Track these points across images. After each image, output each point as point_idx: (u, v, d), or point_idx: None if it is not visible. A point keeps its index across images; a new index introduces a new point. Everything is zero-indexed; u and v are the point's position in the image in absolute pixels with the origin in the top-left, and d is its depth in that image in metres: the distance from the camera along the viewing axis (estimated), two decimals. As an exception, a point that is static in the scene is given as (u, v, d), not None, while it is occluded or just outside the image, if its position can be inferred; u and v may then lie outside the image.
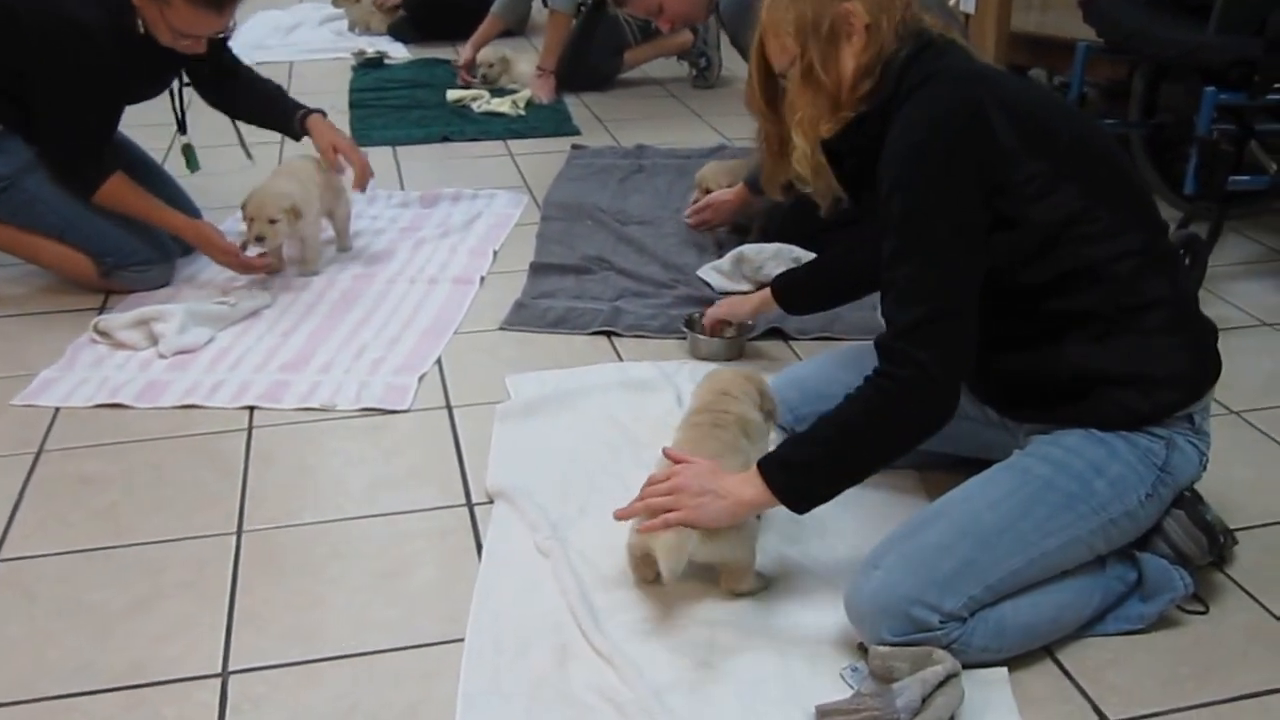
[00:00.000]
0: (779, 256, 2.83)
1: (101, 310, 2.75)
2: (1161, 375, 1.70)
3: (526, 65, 4.70)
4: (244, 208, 2.76)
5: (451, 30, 5.57)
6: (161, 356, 2.50)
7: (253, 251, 2.81)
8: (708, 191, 3.18)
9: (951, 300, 1.64)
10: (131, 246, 2.77)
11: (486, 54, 4.66)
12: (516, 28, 4.99)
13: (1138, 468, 1.70)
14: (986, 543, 1.64)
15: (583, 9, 4.70)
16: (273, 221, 2.73)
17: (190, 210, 2.97)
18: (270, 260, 2.84)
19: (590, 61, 4.68)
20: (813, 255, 2.82)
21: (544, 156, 3.94)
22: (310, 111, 3.00)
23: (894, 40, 1.75)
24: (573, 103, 4.61)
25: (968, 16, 3.46)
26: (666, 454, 1.80)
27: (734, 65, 4.79)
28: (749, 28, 2.86)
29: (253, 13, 6.04)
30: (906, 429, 1.66)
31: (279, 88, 3.08)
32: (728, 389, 1.92)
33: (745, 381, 1.95)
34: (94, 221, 2.73)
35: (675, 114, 4.48)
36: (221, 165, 3.32)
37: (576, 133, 4.21)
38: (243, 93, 3.03)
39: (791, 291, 2.33)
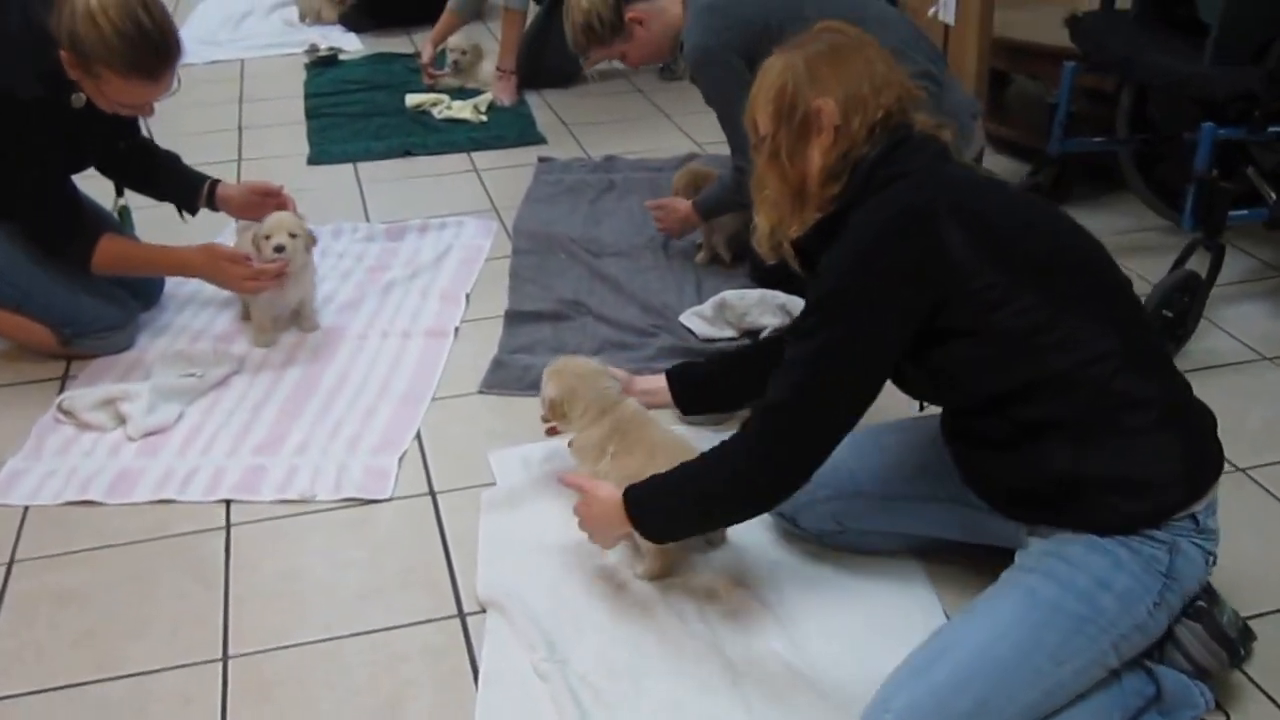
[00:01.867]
0: (764, 304, 2.77)
1: (64, 379, 2.66)
2: (1154, 477, 1.66)
3: (488, 65, 4.57)
4: (259, 234, 2.67)
5: (404, 17, 5.43)
6: (130, 439, 2.41)
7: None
8: (691, 192, 3.12)
9: (829, 396, 1.67)
10: (92, 314, 2.67)
11: (458, 40, 4.53)
12: (473, 19, 4.84)
13: (1142, 577, 1.66)
14: (1000, 680, 1.61)
15: (538, 4, 4.57)
16: (292, 235, 2.66)
17: None
18: (284, 264, 2.69)
19: (550, 60, 4.56)
20: (799, 300, 2.76)
21: (510, 171, 3.84)
22: (214, 180, 2.92)
23: (865, 141, 1.73)
24: (535, 103, 4.50)
25: (948, 28, 3.37)
26: (564, 481, 2.01)
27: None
28: (708, 74, 2.78)
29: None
30: (746, 501, 1.77)
31: (178, 158, 2.95)
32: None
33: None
34: (52, 291, 2.62)
35: (643, 115, 4.38)
36: (154, 226, 3.07)
37: (542, 141, 4.10)
38: (153, 165, 2.90)
39: (691, 388, 2.25)
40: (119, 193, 2.91)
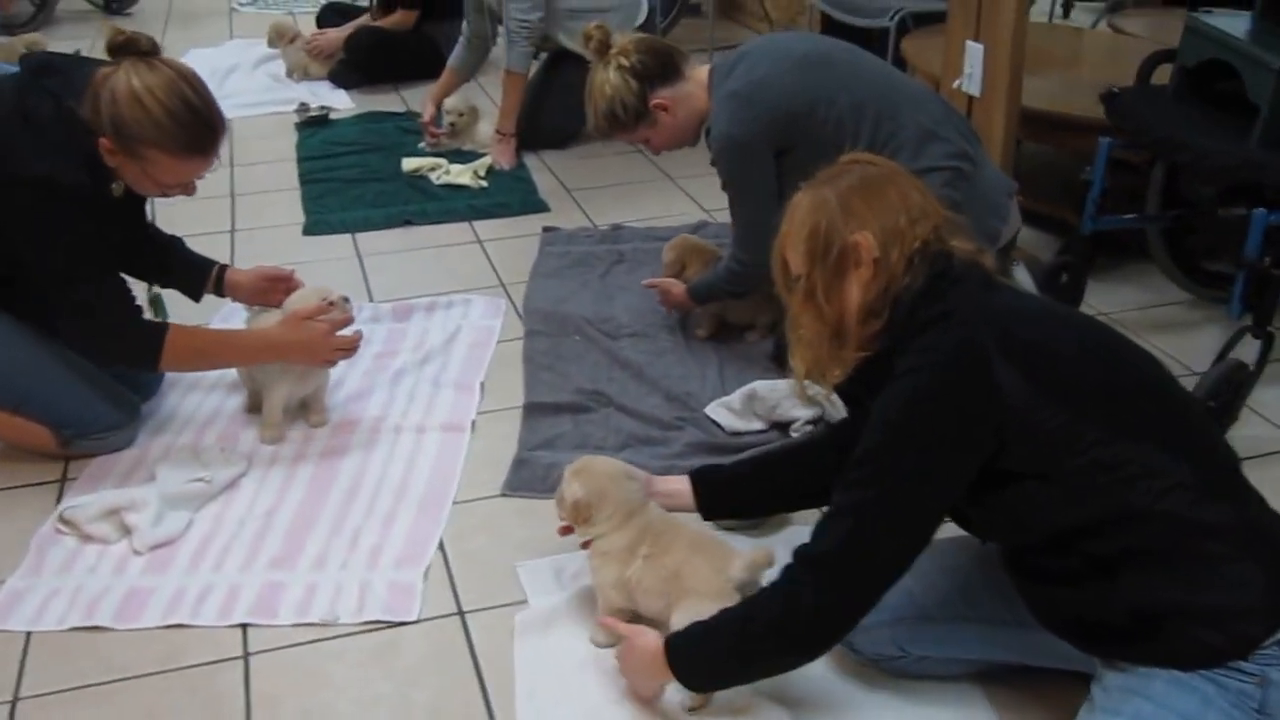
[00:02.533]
0: (795, 396, 2.66)
1: (63, 481, 2.53)
2: (1236, 607, 1.57)
3: (486, 126, 4.46)
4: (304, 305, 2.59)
5: (393, 72, 5.33)
6: (136, 553, 2.28)
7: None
8: (681, 269, 3.05)
9: (880, 548, 1.63)
10: (93, 414, 2.54)
11: (454, 103, 4.43)
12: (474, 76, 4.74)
13: (1234, 714, 1.57)
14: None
15: (534, 58, 4.48)
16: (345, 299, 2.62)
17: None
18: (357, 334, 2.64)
19: (548, 122, 4.46)
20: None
21: (515, 242, 3.73)
22: (222, 265, 2.81)
23: (904, 273, 1.67)
24: (534, 166, 4.40)
25: (972, 99, 3.29)
26: (602, 624, 1.99)
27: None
28: (730, 164, 2.70)
29: (184, 52, 5.73)
30: (791, 651, 1.72)
31: (182, 242, 2.83)
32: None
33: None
34: (51, 390, 2.49)
35: (646, 178, 4.28)
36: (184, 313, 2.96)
37: (545, 209, 4.00)
38: (161, 251, 2.77)
39: (715, 492, 2.15)
40: (149, 281, 2.79)
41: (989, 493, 1.64)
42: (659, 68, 2.81)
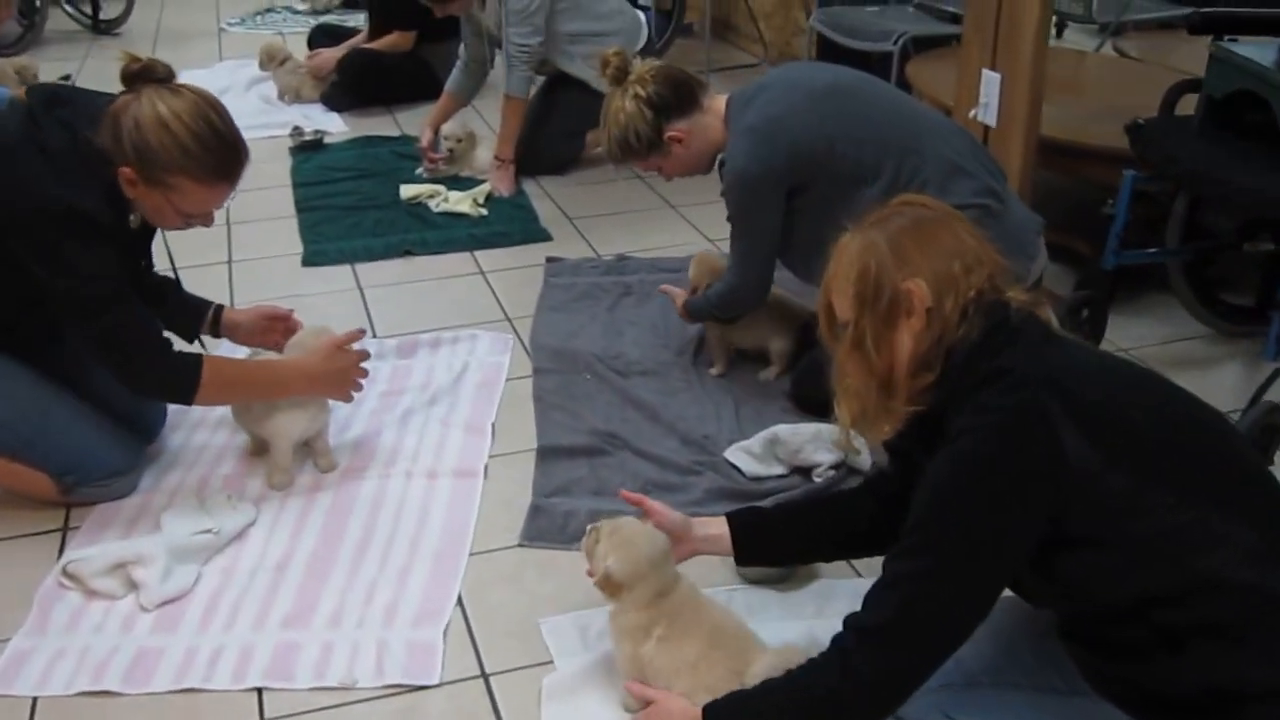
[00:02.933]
0: (818, 440, 2.61)
1: (64, 530, 2.45)
2: None
3: (484, 152, 4.39)
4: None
5: (386, 95, 5.26)
6: (144, 609, 2.19)
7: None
8: (704, 287, 2.98)
9: (935, 620, 1.56)
10: (96, 460, 2.45)
11: (452, 128, 4.35)
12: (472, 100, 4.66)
13: None
14: None
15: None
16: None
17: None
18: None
19: (546, 148, 4.40)
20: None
21: (518, 273, 3.66)
22: (219, 305, 2.75)
23: (958, 324, 1.60)
24: (533, 192, 4.33)
25: (988, 129, 3.24)
26: (630, 691, 1.90)
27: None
28: (740, 198, 2.64)
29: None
30: None
31: (177, 283, 2.76)
32: None
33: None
34: (51, 436, 2.40)
35: (647, 205, 4.22)
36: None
37: (547, 238, 3.93)
38: (157, 289, 2.68)
39: (753, 537, 2.06)
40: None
41: (1048, 559, 1.57)
42: (675, 99, 2.76)
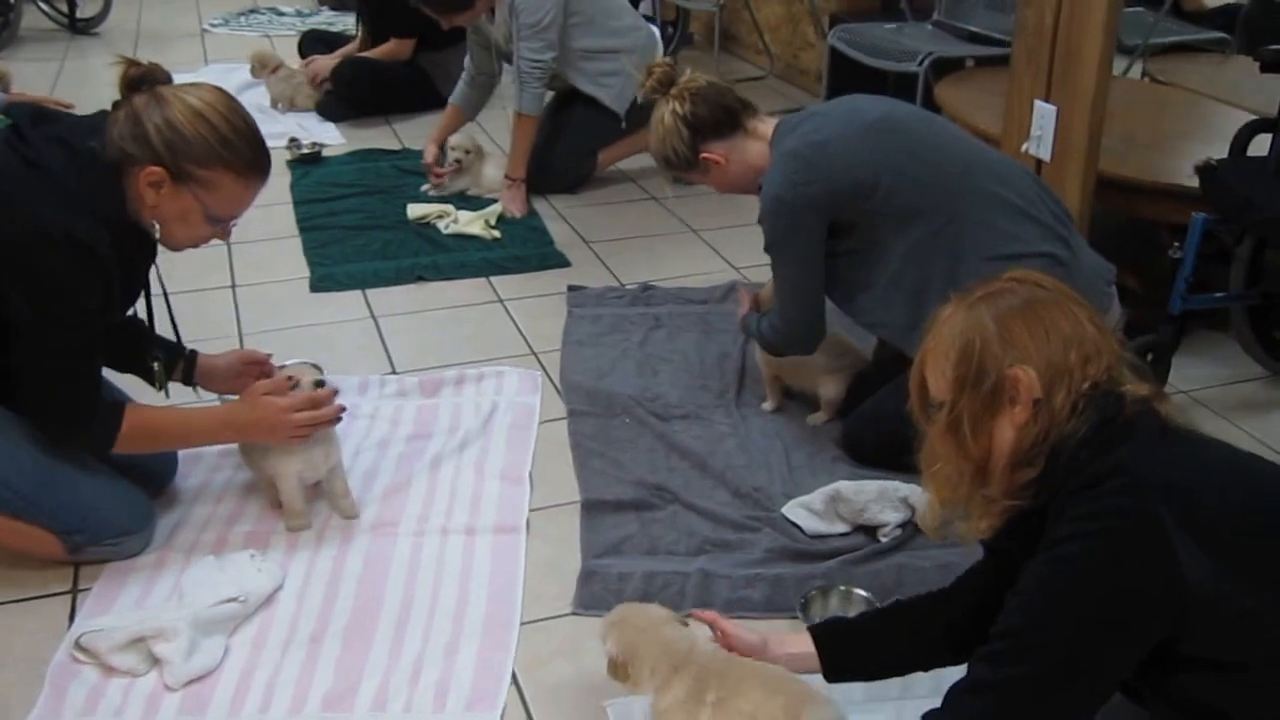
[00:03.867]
0: (884, 497, 2.44)
1: (74, 593, 2.24)
2: None
3: (493, 170, 4.20)
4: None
5: (383, 105, 5.06)
6: (169, 689, 1.99)
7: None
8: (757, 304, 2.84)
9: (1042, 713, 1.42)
10: (105, 519, 2.25)
11: (460, 139, 4.17)
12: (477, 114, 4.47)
13: None
14: None
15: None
16: (319, 384, 2.37)
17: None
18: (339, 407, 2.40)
19: (558, 167, 4.21)
20: (921, 492, 2.45)
21: (538, 301, 3.48)
22: (191, 350, 2.56)
23: (1067, 418, 1.45)
24: (546, 213, 4.15)
25: (1040, 162, 3.09)
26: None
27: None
28: (775, 225, 2.48)
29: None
30: None
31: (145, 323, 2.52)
32: None
33: None
34: (58, 494, 2.20)
35: (667, 229, 4.04)
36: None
37: (565, 263, 3.74)
38: (130, 334, 2.46)
39: (844, 651, 1.87)
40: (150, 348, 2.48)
41: (1166, 675, 1.44)
42: (713, 120, 2.62)
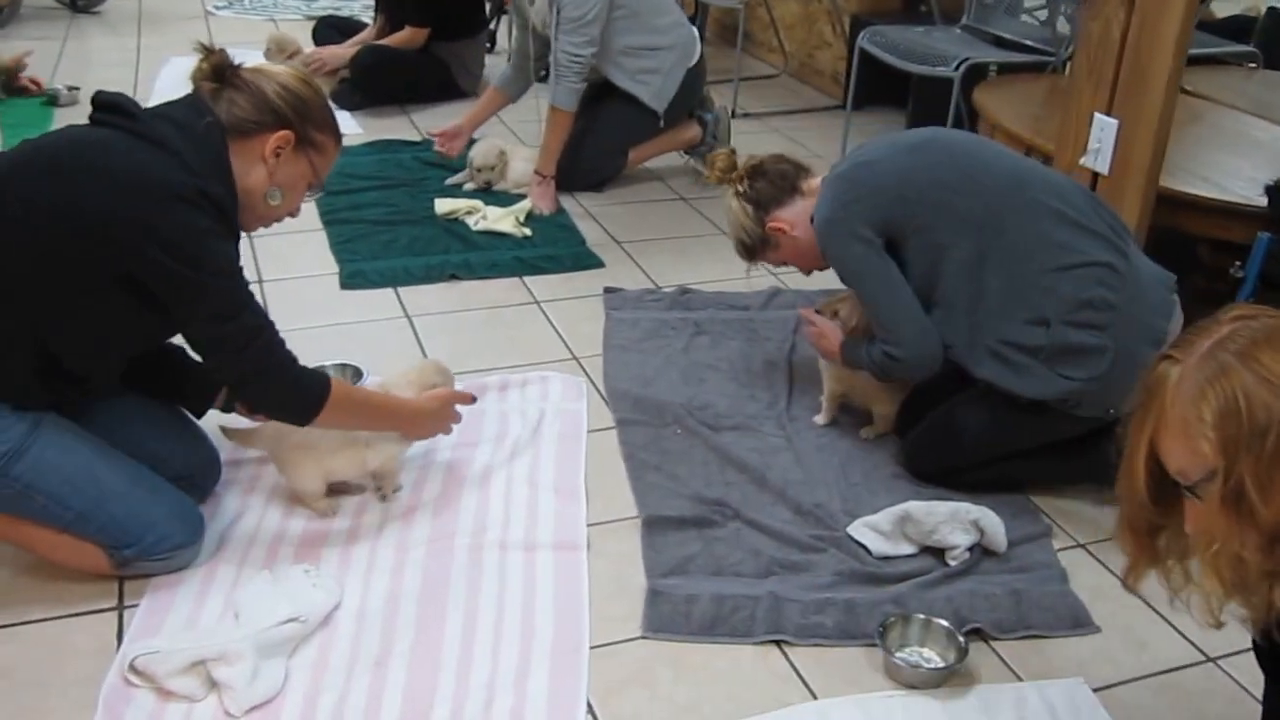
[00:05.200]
0: (955, 519, 2.38)
1: (120, 608, 2.14)
2: None
3: (520, 165, 4.11)
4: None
5: (399, 94, 4.96)
6: (230, 715, 1.90)
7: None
8: (834, 314, 2.75)
9: None
10: (156, 533, 2.15)
11: (486, 156, 4.07)
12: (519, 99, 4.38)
13: None
14: None
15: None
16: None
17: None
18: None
19: (588, 164, 4.12)
20: (993, 516, 2.39)
21: (575, 303, 3.39)
22: None
23: None
24: (574, 210, 4.06)
25: (1096, 176, 3.02)
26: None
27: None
28: (835, 249, 2.41)
29: (164, 60, 5.29)
30: None
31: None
32: None
33: None
34: (108, 508, 2.10)
35: (699, 231, 3.97)
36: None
37: (599, 264, 3.66)
38: (173, 351, 2.43)
39: None
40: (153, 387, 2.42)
41: None
42: (773, 191, 2.66)
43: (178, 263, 1.94)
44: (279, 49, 4.95)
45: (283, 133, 2.10)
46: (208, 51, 2.13)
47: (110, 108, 2.05)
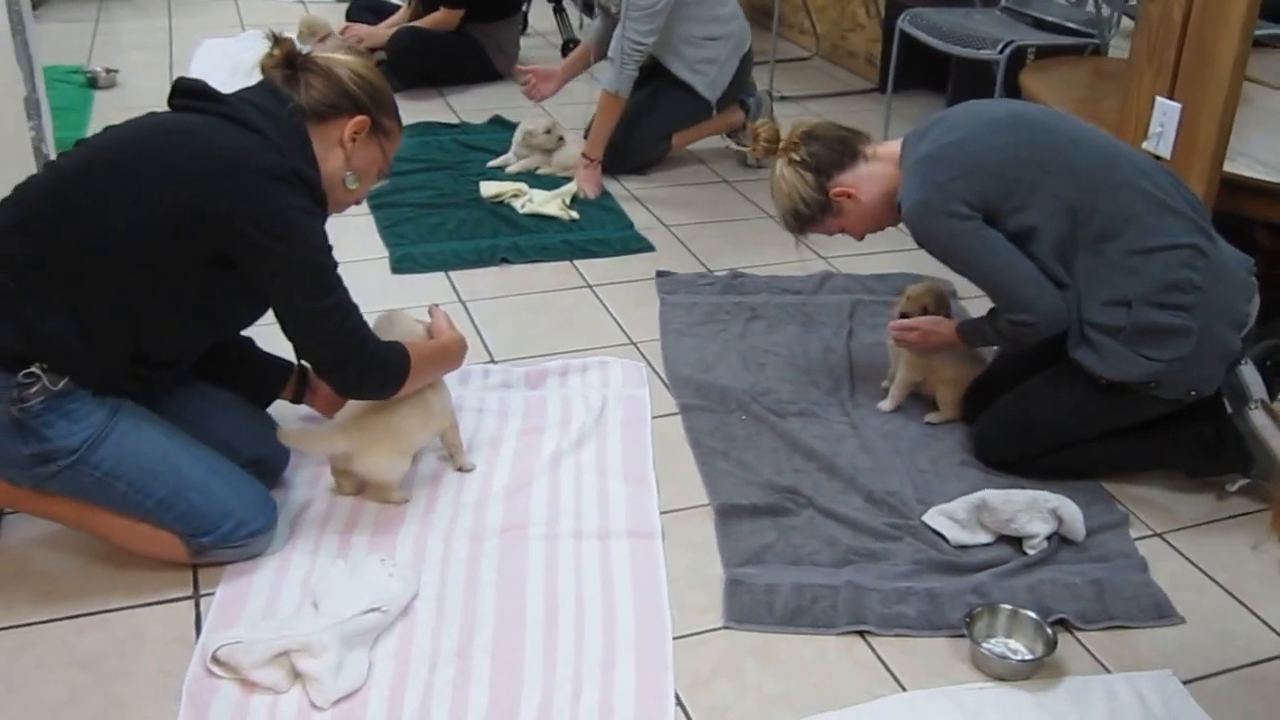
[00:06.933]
0: (1034, 508, 2.35)
1: (196, 597, 2.12)
2: None
3: (569, 147, 4.08)
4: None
5: (435, 75, 4.92)
6: (317, 708, 1.87)
7: None
8: (924, 310, 2.71)
9: None
10: (234, 520, 2.12)
11: (539, 125, 4.03)
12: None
13: None
14: None
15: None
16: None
17: None
18: None
19: (635, 148, 4.09)
20: (1073, 505, 2.36)
21: (627, 287, 3.36)
22: (301, 366, 2.51)
23: None
24: (618, 194, 4.03)
25: (1158, 159, 2.98)
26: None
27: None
28: (933, 231, 2.37)
29: (198, 42, 5.24)
30: None
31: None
32: None
33: None
34: (187, 496, 2.07)
35: (746, 214, 3.94)
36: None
37: (649, 248, 3.62)
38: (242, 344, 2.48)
39: None
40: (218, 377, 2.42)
41: None
42: (833, 154, 2.56)
43: (276, 241, 1.94)
44: (310, 32, 4.91)
45: (360, 117, 2.13)
46: (276, 39, 2.13)
47: (194, 93, 2.04)
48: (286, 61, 2.10)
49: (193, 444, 2.12)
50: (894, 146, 2.57)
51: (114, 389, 2.02)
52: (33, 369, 1.92)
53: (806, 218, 2.59)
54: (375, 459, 2.29)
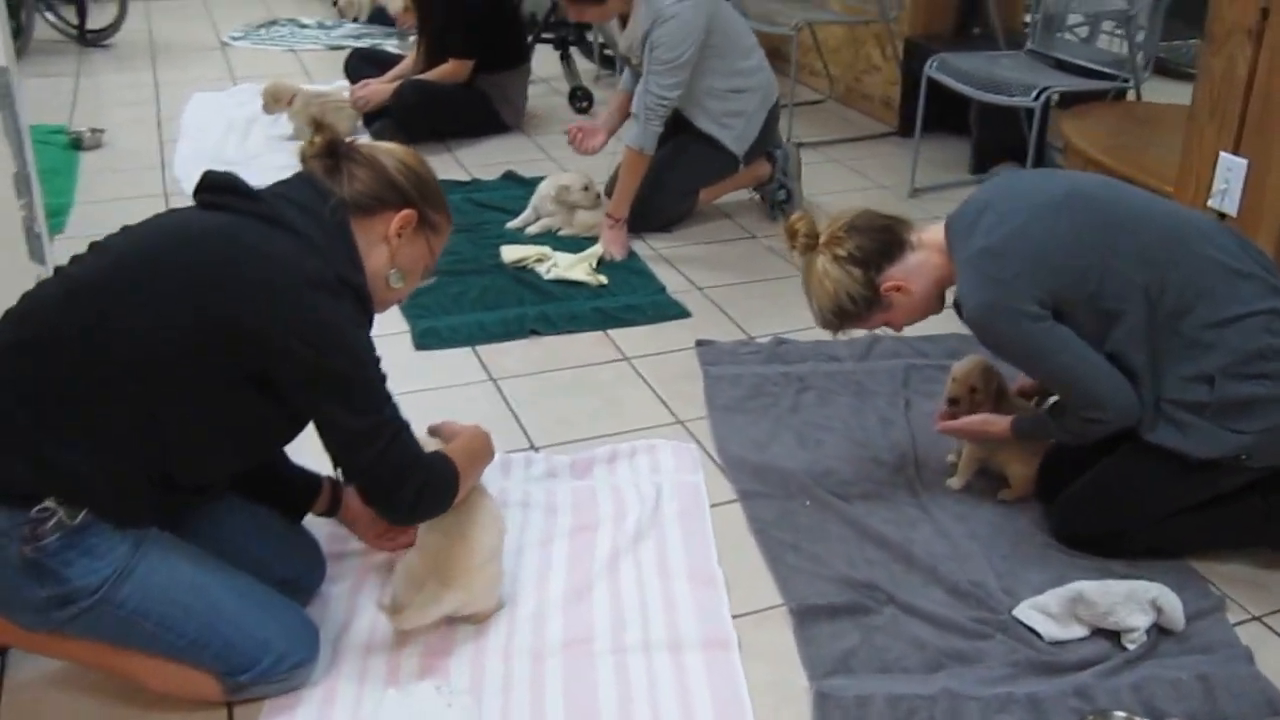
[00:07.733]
0: (1133, 599, 2.20)
1: (232, 730, 1.92)
2: None
3: (590, 208, 3.92)
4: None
5: (441, 129, 4.77)
6: None
7: None
8: (972, 390, 2.56)
9: None
10: (275, 652, 1.94)
11: (579, 180, 3.88)
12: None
13: None
14: None
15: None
16: None
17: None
18: None
19: (661, 205, 3.94)
20: (1173, 595, 2.20)
21: (666, 359, 3.20)
22: (333, 479, 2.31)
23: None
24: (644, 254, 3.87)
25: (1222, 215, 2.85)
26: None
27: (812, 193, 4.16)
28: (1000, 333, 2.28)
29: (186, 96, 5.06)
30: None
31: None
32: None
33: None
34: (223, 629, 1.89)
35: (781, 273, 3.78)
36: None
37: (684, 314, 3.46)
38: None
39: None
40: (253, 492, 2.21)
41: None
42: (879, 246, 2.40)
43: (322, 355, 1.76)
44: (275, 99, 4.65)
45: (407, 211, 1.97)
46: (318, 126, 1.98)
47: (224, 189, 1.86)
48: (328, 151, 1.94)
49: (225, 570, 1.94)
50: (938, 232, 2.42)
51: (139, 518, 1.83)
52: (47, 504, 1.73)
53: (852, 315, 2.43)
54: (488, 595, 2.13)
